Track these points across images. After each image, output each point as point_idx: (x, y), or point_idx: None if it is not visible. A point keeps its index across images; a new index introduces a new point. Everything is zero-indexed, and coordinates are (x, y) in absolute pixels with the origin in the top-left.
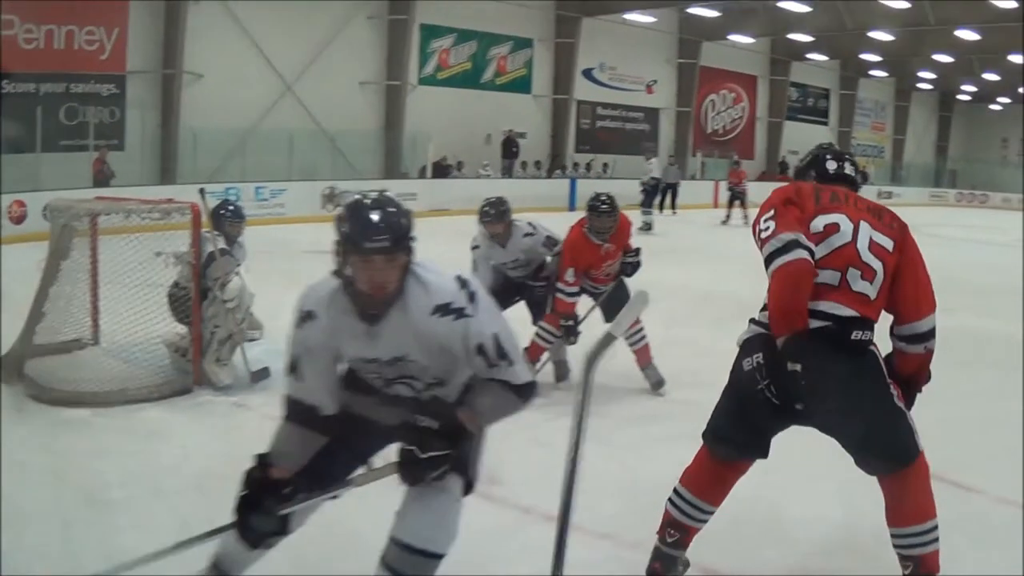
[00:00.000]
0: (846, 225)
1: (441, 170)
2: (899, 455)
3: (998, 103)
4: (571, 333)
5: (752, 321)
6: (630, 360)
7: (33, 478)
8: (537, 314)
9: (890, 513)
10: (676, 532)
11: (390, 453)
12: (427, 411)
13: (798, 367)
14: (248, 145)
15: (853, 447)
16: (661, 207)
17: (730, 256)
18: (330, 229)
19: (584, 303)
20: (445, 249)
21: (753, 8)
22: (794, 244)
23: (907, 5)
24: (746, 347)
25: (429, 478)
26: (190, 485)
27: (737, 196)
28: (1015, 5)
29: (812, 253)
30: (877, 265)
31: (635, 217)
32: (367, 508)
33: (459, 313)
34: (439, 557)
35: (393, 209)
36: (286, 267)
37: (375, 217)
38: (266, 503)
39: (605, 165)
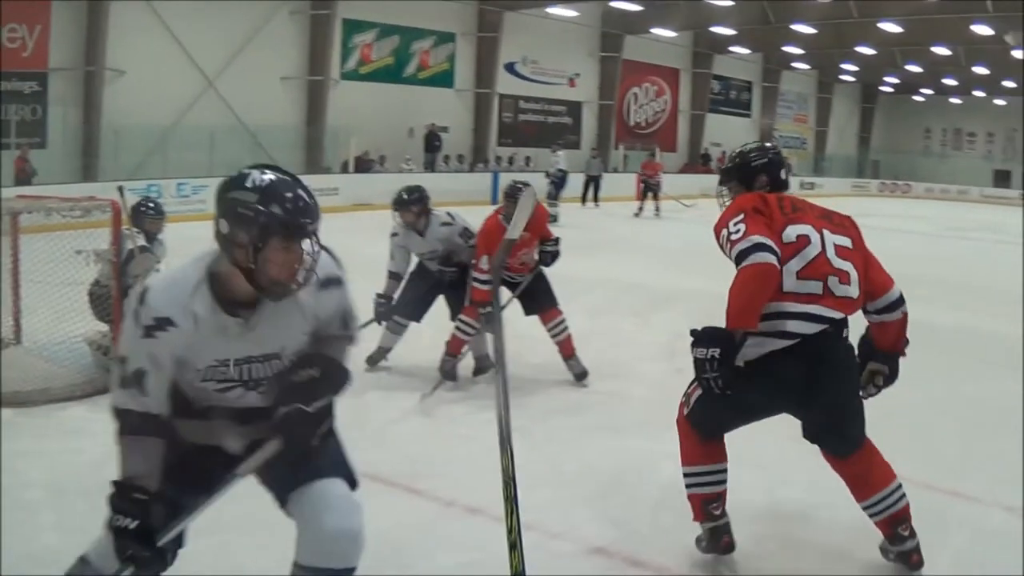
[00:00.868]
0: (814, 236)
1: (363, 165)
2: (861, 438)
3: (921, 94)
4: (489, 320)
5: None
6: (552, 352)
7: None
8: (456, 311)
9: (857, 491)
10: (715, 503)
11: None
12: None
13: (740, 364)
14: (170, 141)
15: (830, 432)
16: (584, 200)
17: (650, 248)
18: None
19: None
20: (367, 244)
21: (676, 2)
22: (764, 247)
23: None
24: (703, 339)
25: (318, 438)
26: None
27: (651, 188)
28: None
29: (779, 260)
30: (848, 267)
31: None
32: None
33: (339, 281)
34: (353, 570)
35: (299, 181)
36: None
37: (303, 194)
38: (151, 537)
39: (528, 159)
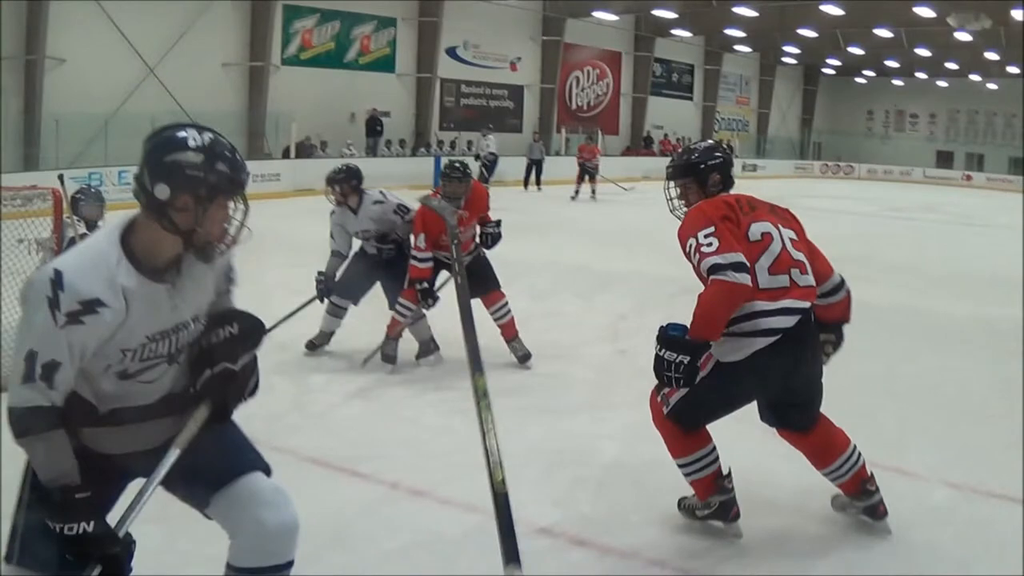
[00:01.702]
0: (774, 232)
1: (304, 150)
2: (818, 412)
3: (863, 76)
4: (427, 295)
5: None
6: (494, 334)
7: None
8: (393, 299)
9: (819, 460)
10: (725, 477)
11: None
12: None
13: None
14: (111, 129)
15: (798, 411)
16: (526, 183)
17: (592, 231)
18: None
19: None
20: (309, 228)
21: None
22: (741, 266)
23: None
24: (674, 345)
25: (249, 391)
26: None
27: (588, 171)
28: None
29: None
30: (803, 257)
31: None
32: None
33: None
34: (292, 563)
35: (221, 135)
36: None
37: (233, 148)
38: (113, 533)
39: (469, 142)
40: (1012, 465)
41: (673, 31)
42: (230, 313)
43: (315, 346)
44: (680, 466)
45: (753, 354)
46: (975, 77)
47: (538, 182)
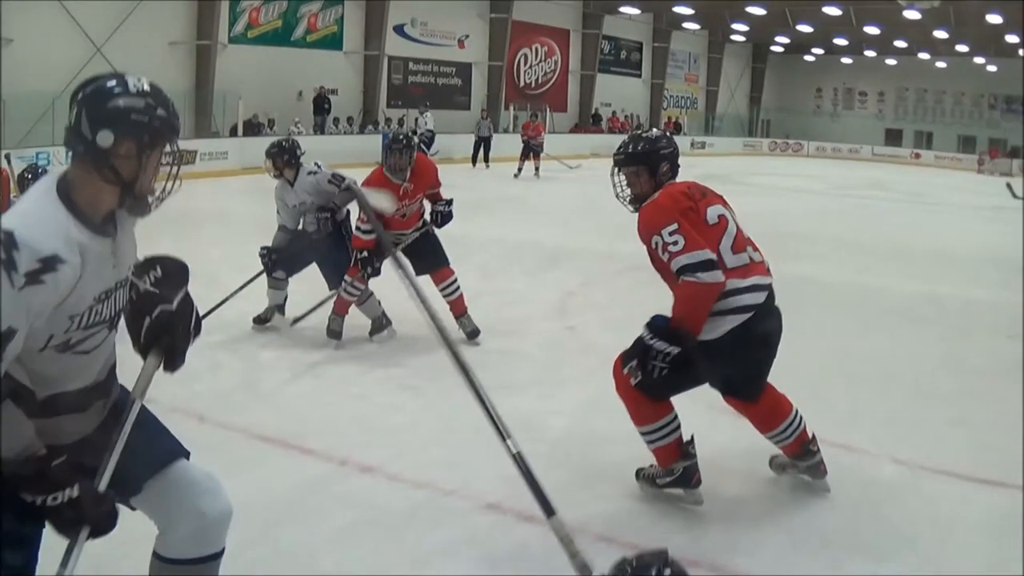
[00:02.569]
0: (727, 213)
1: (252, 128)
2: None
3: (812, 54)
4: (368, 264)
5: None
6: (444, 311)
7: None
8: (331, 279)
9: (766, 424)
10: (681, 443)
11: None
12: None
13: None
14: (58, 109)
15: (751, 381)
16: (474, 161)
17: (538, 209)
18: None
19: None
20: (257, 206)
21: None
22: (710, 264)
23: None
24: (668, 337)
25: (194, 328)
26: None
27: (532, 149)
28: None
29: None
30: (748, 235)
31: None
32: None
33: None
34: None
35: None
36: None
37: (167, 96)
38: (99, 493)
39: (417, 120)
40: (958, 442)
41: (621, 8)
42: (149, 259)
43: (264, 320)
44: (644, 434)
45: (729, 331)
46: (924, 55)
47: (486, 159)
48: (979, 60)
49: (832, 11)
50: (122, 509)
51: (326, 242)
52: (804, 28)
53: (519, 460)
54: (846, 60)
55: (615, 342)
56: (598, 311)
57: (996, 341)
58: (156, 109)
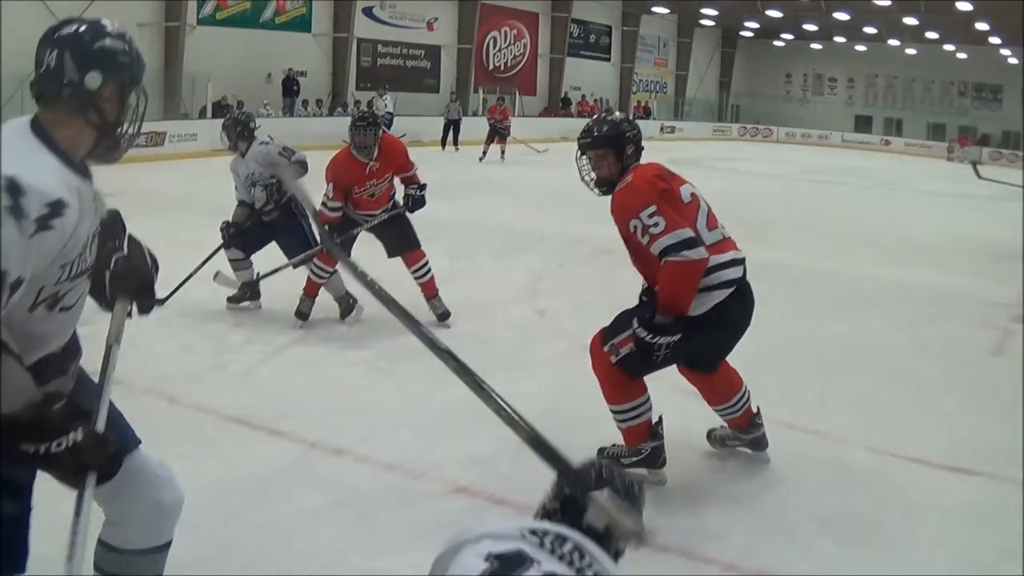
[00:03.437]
0: (696, 191)
1: (221, 110)
2: None
3: (781, 39)
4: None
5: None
6: (414, 294)
7: None
8: (289, 252)
9: (718, 397)
10: (651, 424)
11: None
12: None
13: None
14: (25, 92)
15: (724, 353)
16: (443, 144)
17: (508, 192)
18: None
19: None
20: (226, 187)
21: None
22: (693, 242)
23: None
24: (667, 328)
25: (153, 266)
26: None
27: (498, 132)
28: None
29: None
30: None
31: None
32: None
33: None
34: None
35: None
36: None
37: None
38: (99, 438)
39: (371, 101)
40: (928, 429)
41: None
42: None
43: (238, 300)
44: (616, 412)
45: (714, 306)
46: (894, 42)
47: (455, 142)
48: (949, 47)
49: None
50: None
51: (278, 220)
52: (773, 13)
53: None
54: (815, 46)
55: (584, 326)
56: (567, 295)
57: (966, 328)
58: (133, 51)
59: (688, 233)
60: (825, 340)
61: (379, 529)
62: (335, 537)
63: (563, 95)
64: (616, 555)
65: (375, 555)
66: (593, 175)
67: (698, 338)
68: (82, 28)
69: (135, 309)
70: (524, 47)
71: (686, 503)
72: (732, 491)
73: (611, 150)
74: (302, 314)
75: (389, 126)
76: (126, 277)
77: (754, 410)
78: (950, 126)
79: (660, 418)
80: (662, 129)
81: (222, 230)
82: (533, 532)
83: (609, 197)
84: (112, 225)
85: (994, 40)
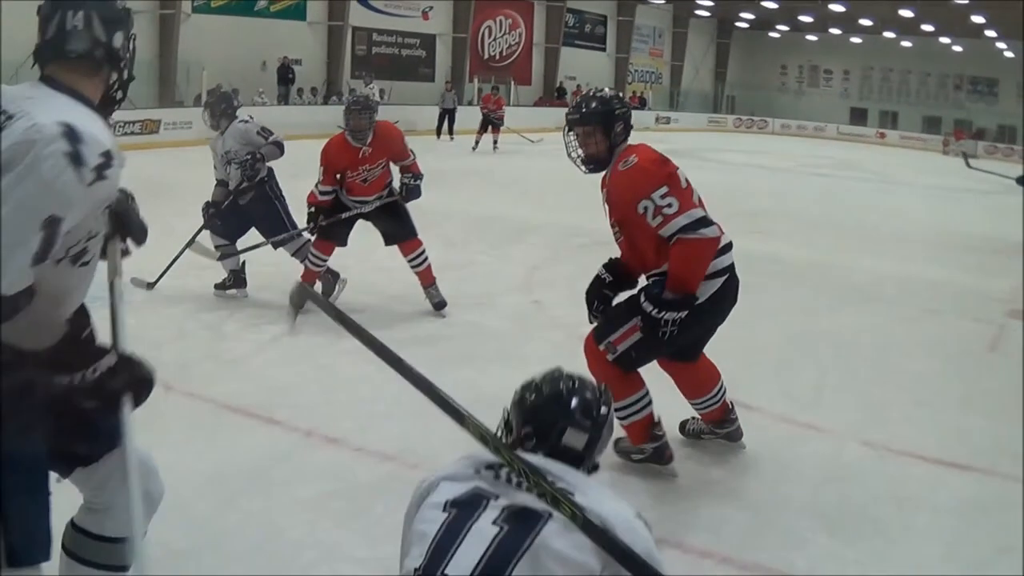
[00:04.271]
0: (687, 177)
1: None
2: None
3: (777, 31)
4: (313, 218)
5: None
6: (410, 283)
7: None
8: (267, 233)
9: (696, 389)
10: (656, 425)
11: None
12: None
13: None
14: (22, 78)
15: (703, 342)
16: (439, 133)
17: (503, 182)
18: None
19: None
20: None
21: None
22: (707, 221)
23: None
24: (673, 304)
25: (133, 204)
26: None
27: (491, 122)
28: None
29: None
30: None
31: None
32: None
33: None
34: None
35: None
36: None
37: None
38: (131, 357)
39: (381, 91)
40: (924, 424)
41: None
42: None
43: (225, 286)
44: (616, 410)
45: (712, 294)
46: (889, 34)
47: (451, 131)
48: (945, 40)
49: None
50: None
51: (256, 205)
52: (769, 4)
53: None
54: (811, 37)
55: (580, 316)
56: (563, 286)
57: (962, 323)
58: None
59: (701, 212)
60: (820, 333)
61: (375, 519)
62: (331, 526)
63: (558, 85)
64: (592, 469)
65: (371, 545)
66: (580, 152)
67: (696, 324)
68: None
69: (130, 243)
70: (519, 36)
71: (680, 495)
72: (727, 484)
73: (599, 127)
74: (298, 304)
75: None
76: (121, 214)
77: (729, 404)
78: (946, 119)
79: (659, 419)
80: (657, 120)
81: (204, 211)
82: (489, 466)
83: (599, 182)
84: None
85: (990, 33)
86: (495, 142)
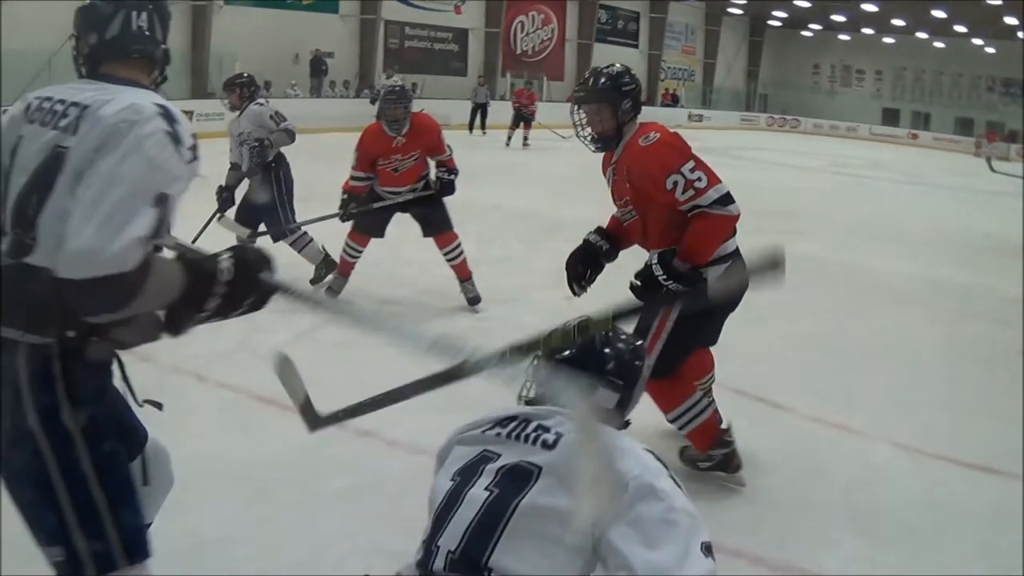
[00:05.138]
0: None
1: None
2: None
3: (810, 30)
4: (344, 205)
5: None
6: (446, 277)
7: None
8: (271, 226)
9: (669, 404)
10: (724, 429)
11: None
12: None
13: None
14: (55, 65)
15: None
16: (471, 128)
17: (535, 178)
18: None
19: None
20: None
21: None
22: (731, 196)
23: None
24: (683, 277)
25: None
26: None
27: (523, 117)
28: None
29: None
30: None
31: None
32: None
33: None
34: None
35: None
36: None
37: None
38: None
39: (414, 85)
40: (956, 427)
41: None
42: None
43: (320, 277)
44: (675, 420)
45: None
46: (922, 35)
47: (483, 126)
48: (977, 41)
49: None
50: None
51: (263, 199)
52: (802, 3)
53: None
54: (843, 37)
55: None
56: (597, 282)
57: (992, 326)
58: None
59: (726, 188)
60: (852, 334)
61: (408, 512)
62: (362, 518)
63: None
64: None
65: (403, 538)
66: (589, 131)
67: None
68: None
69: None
70: (552, 32)
71: (711, 495)
72: (758, 484)
73: (606, 104)
74: (332, 292)
75: None
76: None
77: (724, 425)
78: (978, 121)
79: (729, 424)
80: (690, 117)
81: (217, 195)
82: (502, 423)
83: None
84: None
85: (1022, 35)
86: (526, 138)
